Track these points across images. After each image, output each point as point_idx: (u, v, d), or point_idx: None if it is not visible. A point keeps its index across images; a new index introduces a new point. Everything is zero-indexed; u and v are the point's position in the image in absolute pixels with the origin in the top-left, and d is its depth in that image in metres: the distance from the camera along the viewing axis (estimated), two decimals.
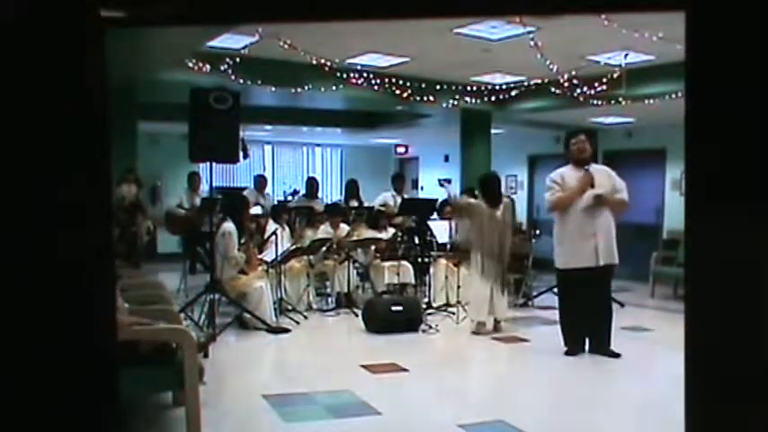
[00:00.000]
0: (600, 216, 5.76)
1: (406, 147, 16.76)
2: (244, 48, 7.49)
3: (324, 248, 8.12)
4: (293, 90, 8.82)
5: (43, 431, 1.73)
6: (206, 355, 5.27)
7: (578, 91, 8.49)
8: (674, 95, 7.89)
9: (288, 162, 16.07)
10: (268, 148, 15.59)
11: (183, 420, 3.64)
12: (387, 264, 8.31)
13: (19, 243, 1.68)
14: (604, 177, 5.91)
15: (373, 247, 8.47)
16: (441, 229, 7.96)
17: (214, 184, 6.92)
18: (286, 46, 7.22)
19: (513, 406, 4.55)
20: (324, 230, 8.31)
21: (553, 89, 8.80)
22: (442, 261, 8.18)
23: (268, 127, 13.18)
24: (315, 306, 8.00)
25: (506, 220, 6.96)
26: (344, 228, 8.40)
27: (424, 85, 9.28)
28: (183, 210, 9.78)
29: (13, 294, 1.68)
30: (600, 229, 5.74)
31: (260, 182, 10.73)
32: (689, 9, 1.58)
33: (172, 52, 7.04)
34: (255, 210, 7.80)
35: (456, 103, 9.87)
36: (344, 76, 8.57)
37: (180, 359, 3.61)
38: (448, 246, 8.05)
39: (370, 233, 8.47)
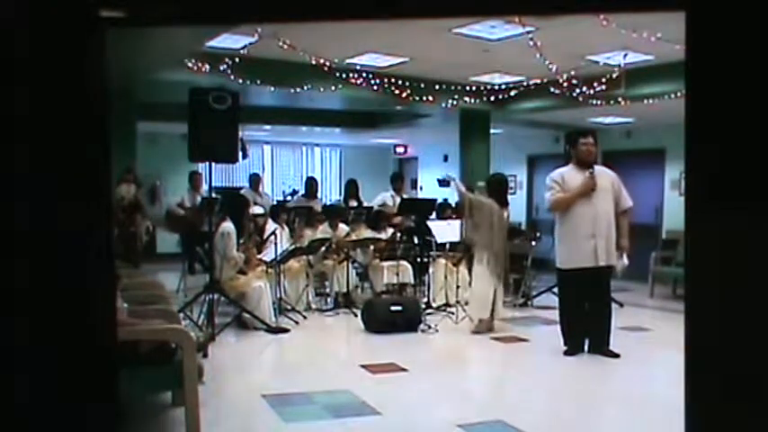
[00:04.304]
0: (600, 217, 5.76)
1: (406, 147, 16.76)
2: (243, 48, 7.49)
3: (323, 248, 8.12)
4: (292, 90, 8.83)
5: (43, 431, 1.73)
6: (205, 355, 5.28)
7: (577, 91, 8.50)
8: (673, 95, 7.90)
9: (287, 162, 16.07)
10: (267, 147, 15.59)
11: (183, 420, 3.64)
12: (386, 264, 8.31)
13: (19, 243, 1.68)
14: (607, 180, 5.89)
15: (372, 247, 8.47)
16: (440, 229, 7.96)
17: (213, 184, 6.91)
18: (285, 46, 7.22)
19: (513, 406, 4.55)
20: (323, 230, 8.31)
21: (552, 89, 8.81)
22: (442, 261, 8.18)
23: (267, 127, 13.19)
24: (314, 306, 8.00)
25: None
26: (344, 228, 8.40)
27: (423, 86, 9.29)
28: (184, 209, 9.78)
29: (14, 294, 1.68)
30: (600, 230, 5.73)
31: (254, 180, 10.71)
32: (689, 9, 1.59)
33: (172, 52, 7.04)
34: (256, 209, 7.79)
35: (455, 103, 9.87)
36: (344, 76, 8.57)
37: (179, 359, 3.61)
38: (448, 245, 8.03)
39: (369, 233, 8.47)
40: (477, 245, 6.98)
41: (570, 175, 5.89)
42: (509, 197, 7.31)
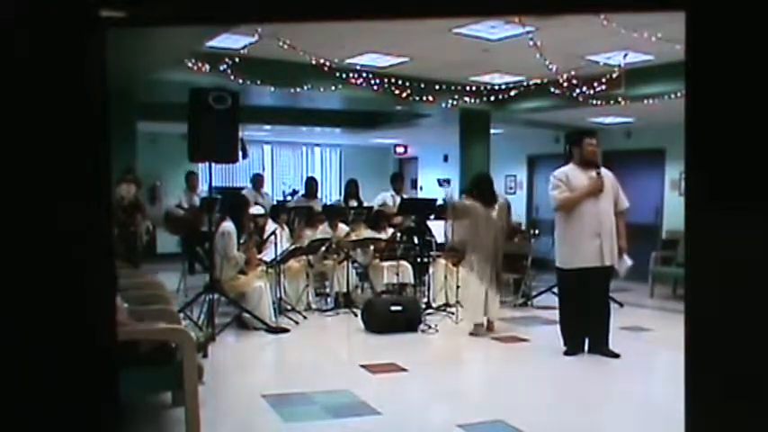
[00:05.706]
0: (604, 216, 5.76)
1: (406, 147, 16.76)
2: (243, 48, 7.49)
3: (323, 248, 8.12)
4: (292, 90, 8.83)
5: (43, 431, 1.73)
6: (205, 355, 5.27)
7: (577, 91, 8.49)
8: (673, 95, 7.89)
9: (287, 162, 16.07)
10: (267, 147, 15.59)
11: (183, 420, 3.64)
12: (386, 264, 8.31)
13: (19, 243, 1.68)
14: (607, 181, 5.89)
15: (372, 247, 8.47)
16: (440, 230, 7.97)
17: (213, 184, 6.91)
18: (285, 46, 7.21)
19: (513, 406, 4.55)
20: (323, 230, 8.31)
21: (552, 89, 8.80)
22: (442, 261, 8.18)
23: (267, 127, 13.19)
24: (314, 306, 8.00)
25: (502, 222, 6.96)
26: (344, 228, 8.40)
27: (423, 85, 9.29)
28: (182, 210, 9.78)
29: (14, 294, 1.68)
30: (604, 230, 5.74)
31: (257, 181, 10.72)
32: (689, 9, 1.58)
33: (172, 52, 7.04)
34: (256, 209, 7.79)
35: (455, 103, 9.87)
36: (344, 76, 8.57)
37: (179, 359, 3.61)
38: (444, 245, 8.03)
39: (369, 233, 8.47)
40: (465, 249, 6.97)
41: (574, 175, 5.88)
42: (513, 195, 7.30)
